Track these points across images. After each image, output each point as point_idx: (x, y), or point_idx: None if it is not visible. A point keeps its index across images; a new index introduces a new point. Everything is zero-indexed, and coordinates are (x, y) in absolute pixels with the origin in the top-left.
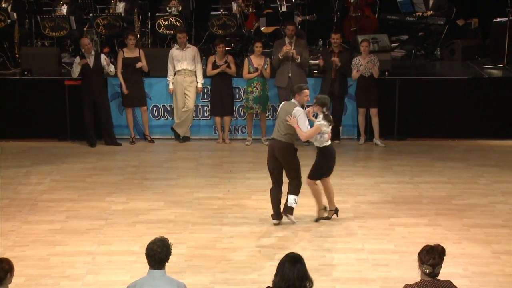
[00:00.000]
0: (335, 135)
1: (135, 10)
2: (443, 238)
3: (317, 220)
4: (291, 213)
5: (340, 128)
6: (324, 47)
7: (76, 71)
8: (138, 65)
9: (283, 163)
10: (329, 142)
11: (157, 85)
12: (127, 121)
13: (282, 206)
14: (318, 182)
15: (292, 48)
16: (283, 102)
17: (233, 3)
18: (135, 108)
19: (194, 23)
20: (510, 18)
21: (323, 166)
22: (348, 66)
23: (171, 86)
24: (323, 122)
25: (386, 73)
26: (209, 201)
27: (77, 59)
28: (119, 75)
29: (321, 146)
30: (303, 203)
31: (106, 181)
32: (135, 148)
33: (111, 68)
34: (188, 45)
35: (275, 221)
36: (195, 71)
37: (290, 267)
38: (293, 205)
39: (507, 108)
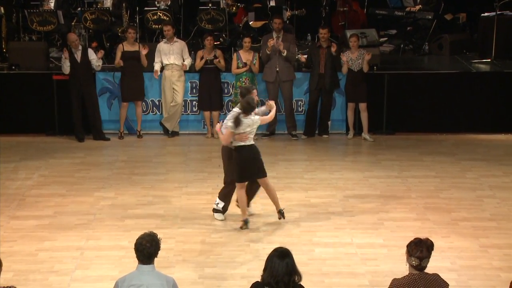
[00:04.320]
0: (323, 130)
1: (123, 4)
2: (431, 232)
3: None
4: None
5: (329, 122)
6: (312, 42)
7: (66, 66)
8: (144, 51)
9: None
10: (241, 143)
11: (146, 80)
12: (120, 116)
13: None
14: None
15: (280, 42)
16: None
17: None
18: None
19: (182, 17)
20: (498, 12)
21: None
22: (337, 61)
23: (156, 68)
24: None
25: (375, 67)
26: (198, 196)
27: (64, 55)
28: (117, 64)
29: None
30: (292, 197)
31: (94, 176)
32: (124, 143)
33: (99, 62)
34: (175, 39)
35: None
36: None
37: (278, 261)
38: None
39: (495, 103)
